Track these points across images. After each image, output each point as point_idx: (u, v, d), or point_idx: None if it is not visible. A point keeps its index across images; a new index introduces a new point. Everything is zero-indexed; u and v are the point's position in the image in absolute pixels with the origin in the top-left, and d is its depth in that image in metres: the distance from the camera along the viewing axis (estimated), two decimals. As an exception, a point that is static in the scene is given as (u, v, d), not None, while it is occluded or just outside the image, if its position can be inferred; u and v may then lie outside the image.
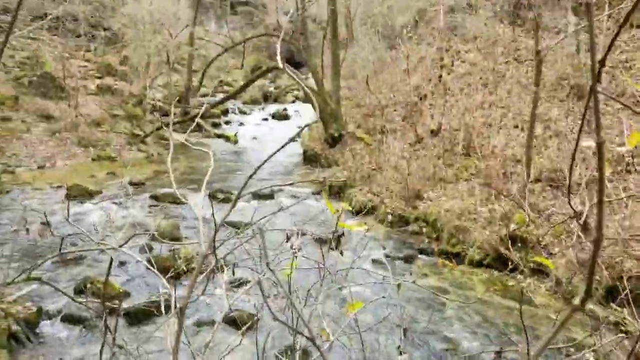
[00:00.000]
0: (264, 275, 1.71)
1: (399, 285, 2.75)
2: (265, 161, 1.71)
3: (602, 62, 1.20)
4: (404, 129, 15.84)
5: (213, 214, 1.67)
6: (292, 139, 1.77)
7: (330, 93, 17.39)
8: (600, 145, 0.85)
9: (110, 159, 16.92)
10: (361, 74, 18.76)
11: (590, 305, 6.73)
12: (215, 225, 1.53)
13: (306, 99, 17.15)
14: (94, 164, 16.41)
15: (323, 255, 2.35)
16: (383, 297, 2.57)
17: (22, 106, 18.42)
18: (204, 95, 24.46)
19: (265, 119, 24.54)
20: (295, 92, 28.03)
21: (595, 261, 0.84)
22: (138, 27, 21.50)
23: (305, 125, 1.90)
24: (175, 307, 2.13)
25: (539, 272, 8.32)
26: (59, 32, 22.77)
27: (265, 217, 2.27)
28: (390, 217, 11.44)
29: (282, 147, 1.73)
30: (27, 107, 18.49)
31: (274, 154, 1.74)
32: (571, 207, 1.54)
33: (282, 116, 24.65)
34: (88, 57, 24.18)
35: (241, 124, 23.74)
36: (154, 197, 12.59)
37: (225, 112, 24.78)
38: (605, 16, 14.21)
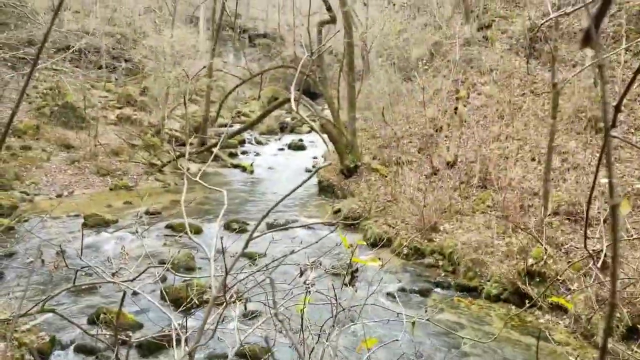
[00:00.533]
0: (275, 315, 1.71)
1: (413, 323, 2.71)
2: (277, 204, 1.72)
3: (618, 108, 1.19)
4: (419, 161, 15.82)
5: (224, 253, 1.68)
6: (303, 183, 1.77)
7: (346, 124, 17.49)
8: (614, 208, 0.83)
9: (127, 188, 17.08)
10: (377, 106, 18.85)
11: (610, 345, 6.56)
12: (226, 267, 1.53)
13: (322, 130, 17.27)
14: (111, 193, 16.58)
15: (335, 293, 2.33)
16: (396, 340, 2.53)
17: (43, 135, 18.78)
18: (222, 126, 24.75)
19: (282, 149, 24.76)
20: (312, 123, 28.22)
21: (607, 336, 0.82)
22: (158, 59, 21.97)
23: (318, 169, 1.92)
24: (186, 342, 2.12)
25: (558, 308, 8.13)
26: (81, 63, 23.30)
27: (275, 260, 2.27)
28: (405, 249, 11.34)
29: (293, 191, 1.74)
30: (48, 136, 18.86)
31: (285, 197, 1.74)
32: (587, 249, 1.51)
33: (298, 147, 24.87)
34: (109, 88, 24.68)
35: (257, 154, 23.95)
36: (170, 227, 12.64)
37: (242, 142, 25.05)
38: (622, 50, 14.21)
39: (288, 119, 29.14)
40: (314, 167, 20.29)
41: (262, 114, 21.37)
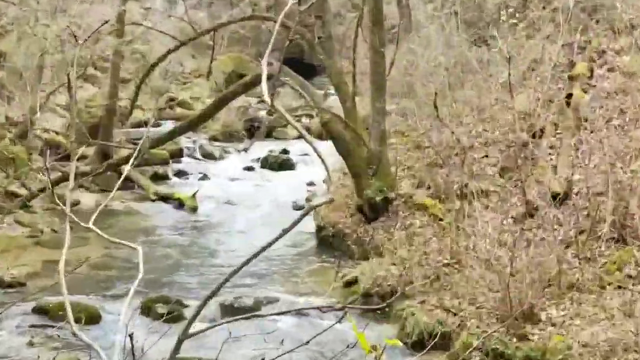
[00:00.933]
0: None
1: None
2: (236, 272, 1.71)
3: None
4: (503, 191, 15.77)
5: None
6: (281, 236, 1.76)
7: (368, 123, 17.47)
8: None
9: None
10: (425, 90, 18.87)
11: None
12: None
13: (326, 131, 17.20)
14: None
15: None
16: None
17: None
18: (139, 125, 24.69)
19: (250, 169, 24.81)
20: (305, 120, 28.08)
21: None
22: (26, 2, 22.06)
23: (311, 208, 1.91)
24: None
25: None
26: None
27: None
28: (478, 356, 11.26)
29: (265, 248, 1.73)
30: None
31: (252, 259, 1.73)
32: None
33: (281, 164, 24.90)
34: None
35: (205, 176, 23.93)
36: (42, 311, 12.54)
37: (178, 155, 25.12)
38: None
39: (263, 113, 29.06)
40: (309, 201, 20.21)
41: (214, 103, 21.26)
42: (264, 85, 2.01)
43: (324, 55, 18.15)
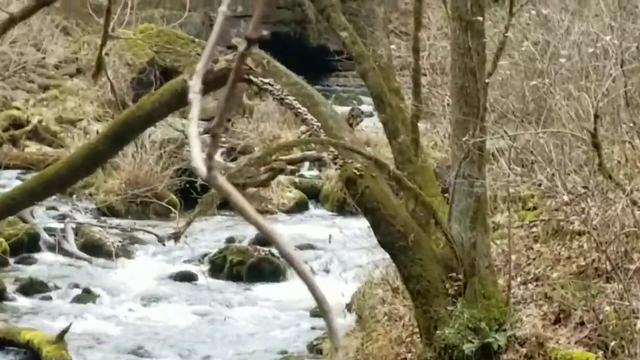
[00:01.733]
0: None
1: None
2: None
3: None
4: None
5: None
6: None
7: (448, 180, 17.07)
8: None
9: None
10: (572, 107, 18.45)
11: None
12: None
13: (357, 198, 16.84)
14: None
15: None
16: None
17: None
18: None
19: (185, 278, 25.35)
20: (310, 172, 29.43)
21: None
22: None
23: None
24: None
25: None
26: None
27: None
28: None
29: None
30: None
31: None
32: None
33: (253, 269, 25.41)
34: None
35: (87, 294, 24.14)
36: None
37: (29, 248, 25.42)
38: None
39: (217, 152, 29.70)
40: (314, 349, 19.99)
41: (110, 134, 20.95)
42: (193, 126, 1.91)
43: (348, 33, 17.83)
